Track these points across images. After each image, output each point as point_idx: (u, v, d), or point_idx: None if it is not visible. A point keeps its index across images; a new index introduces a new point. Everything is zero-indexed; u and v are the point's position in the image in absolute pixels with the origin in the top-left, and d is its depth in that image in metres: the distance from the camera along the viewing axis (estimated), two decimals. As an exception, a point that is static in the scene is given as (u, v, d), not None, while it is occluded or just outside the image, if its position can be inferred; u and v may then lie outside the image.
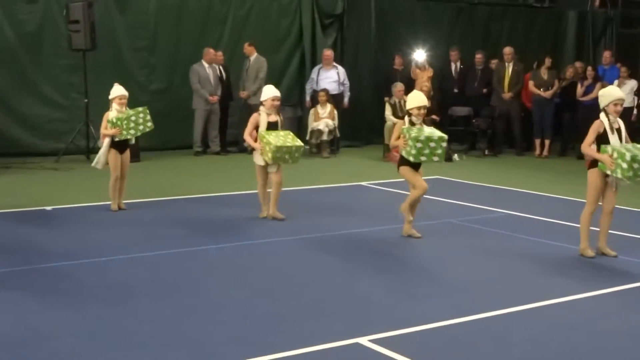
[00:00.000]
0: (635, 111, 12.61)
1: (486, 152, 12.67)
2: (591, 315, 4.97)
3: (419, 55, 12.62)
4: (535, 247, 6.78)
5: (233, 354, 4.22)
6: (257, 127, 7.42)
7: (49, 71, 11.66)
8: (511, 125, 12.77)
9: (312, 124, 11.67)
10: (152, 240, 7.08)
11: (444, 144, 6.73)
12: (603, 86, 11.87)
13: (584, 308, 5.10)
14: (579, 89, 12.35)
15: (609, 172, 5.78)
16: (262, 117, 7.31)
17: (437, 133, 6.66)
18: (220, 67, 12.35)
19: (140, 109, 7.63)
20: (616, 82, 12.21)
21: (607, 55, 13.57)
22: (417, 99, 6.81)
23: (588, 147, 5.94)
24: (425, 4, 14.96)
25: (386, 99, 12.33)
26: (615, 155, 5.66)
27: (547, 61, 12.88)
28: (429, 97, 11.53)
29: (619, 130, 5.90)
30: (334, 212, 8.26)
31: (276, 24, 13.29)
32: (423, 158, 6.50)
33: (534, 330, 4.61)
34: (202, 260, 6.42)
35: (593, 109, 11.98)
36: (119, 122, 7.52)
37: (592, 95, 12.08)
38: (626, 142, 5.97)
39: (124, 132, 7.41)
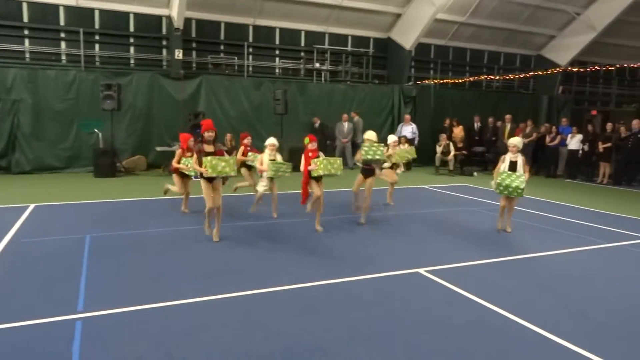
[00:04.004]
0: (580, 152, 13.70)
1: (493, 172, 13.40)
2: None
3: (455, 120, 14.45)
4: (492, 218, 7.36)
5: (345, 273, 4.90)
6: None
7: (264, 124, 14.03)
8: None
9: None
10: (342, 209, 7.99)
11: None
12: (562, 138, 13.57)
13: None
14: (547, 138, 14.00)
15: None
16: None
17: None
18: (353, 123, 14.54)
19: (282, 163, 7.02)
20: (569, 135, 13.83)
21: (564, 120, 15.33)
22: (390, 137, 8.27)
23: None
24: (461, 92, 17.16)
25: (438, 144, 14.26)
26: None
27: (530, 122, 14.61)
28: (461, 141, 13.74)
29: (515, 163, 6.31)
30: (411, 201, 9.20)
31: (380, 101, 15.84)
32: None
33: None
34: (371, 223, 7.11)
35: (554, 150, 13.98)
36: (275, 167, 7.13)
37: (554, 142, 13.71)
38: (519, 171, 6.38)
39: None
